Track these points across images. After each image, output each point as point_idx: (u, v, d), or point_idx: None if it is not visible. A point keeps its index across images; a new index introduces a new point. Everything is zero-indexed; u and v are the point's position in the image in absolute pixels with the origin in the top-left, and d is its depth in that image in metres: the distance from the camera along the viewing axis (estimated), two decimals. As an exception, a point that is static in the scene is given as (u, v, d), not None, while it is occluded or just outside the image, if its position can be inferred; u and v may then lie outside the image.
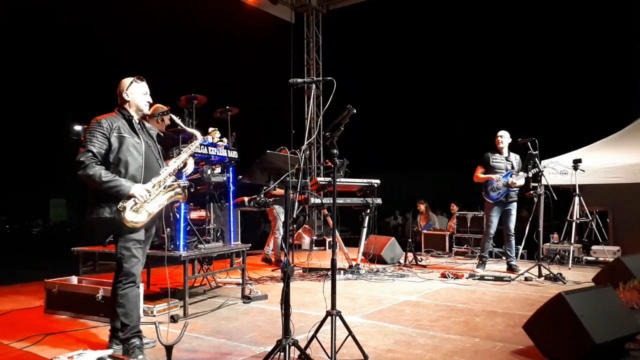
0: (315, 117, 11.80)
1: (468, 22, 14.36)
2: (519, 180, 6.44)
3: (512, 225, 6.62)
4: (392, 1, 13.94)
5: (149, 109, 3.41)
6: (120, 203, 3.03)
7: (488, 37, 14.04)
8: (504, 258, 7.71)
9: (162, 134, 3.79)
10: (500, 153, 6.67)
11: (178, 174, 3.49)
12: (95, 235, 3.28)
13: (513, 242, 6.68)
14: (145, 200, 3.10)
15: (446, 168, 7.37)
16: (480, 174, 6.67)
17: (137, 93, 3.29)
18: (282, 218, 6.89)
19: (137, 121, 3.32)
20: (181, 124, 3.65)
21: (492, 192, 6.55)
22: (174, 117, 3.67)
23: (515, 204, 6.63)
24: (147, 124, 3.47)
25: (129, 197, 3.05)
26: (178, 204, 3.69)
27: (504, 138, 6.63)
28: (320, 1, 12.40)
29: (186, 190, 3.38)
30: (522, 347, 3.29)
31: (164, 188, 3.23)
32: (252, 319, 4.17)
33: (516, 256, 7.92)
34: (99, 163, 3.07)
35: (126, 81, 3.30)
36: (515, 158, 6.68)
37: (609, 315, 3.07)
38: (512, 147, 6.71)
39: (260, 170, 3.45)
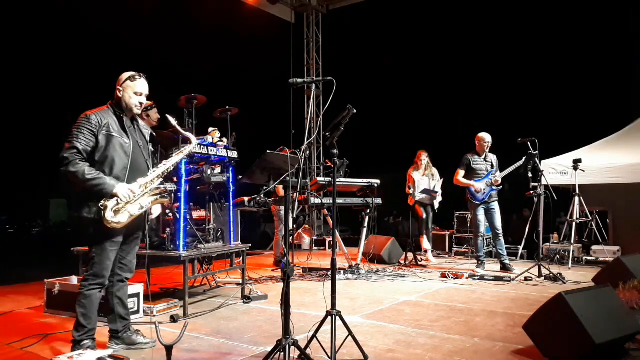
0: (315, 117, 11.80)
1: (468, 22, 14.35)
2: (500, 177, 6.55)
3: (499, 223, 6.68)
4: (392, 1, 13.93)
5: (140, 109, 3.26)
6: (102, 202, 2.94)
7: (488, 37, 14.03)
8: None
9: (154, 134, 3.69)
10: (480, 155, 6.74)
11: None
12: (79, 234, 3.18)
13: (502, 240, 6.70)
14: (129, 201, 3.01)
15: (447, 168, 7.41)
16: (461, 179, 6.74)
17: (129, 92, 3.16)
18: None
19: (129, 119, 3.21)
20: (177, 125, 3.52)
21: (477, 194, 6.66)
22: (169, 118, 3.53)
23: (497, 202, 6.70)
24: (141, 123, 3.39)
25: (112, 196, 2.96)
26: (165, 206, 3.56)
27: (489, 142, 6.71)
28: (320, 1, 12.39)
29: (172, 194, 3.29)
30: (522, 347, 3.29)
31: (150, 190, 3.14)
32: (252, 319, 4.17)
33: (516, 256, 7.95)
34: (83, 160, 2.97)
35: (124, 76, 3.18)
36: (493, 158, 6.77)
37: (609, 315, 3.06)
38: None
39: (260, 170, 3.44)
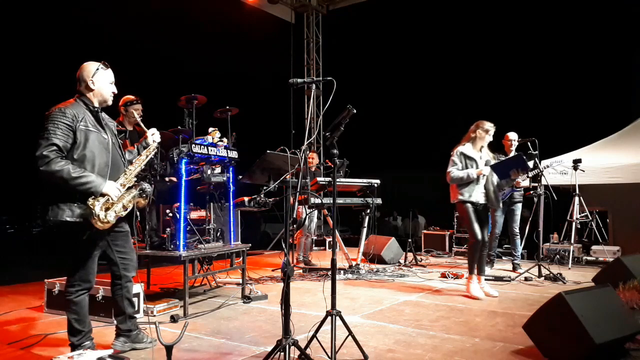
0: (315, 117, 11.80)
1: (468, 22, 14.37)
2: (523, 180, 6.43)
3: (517, 225, 6.68)
4: (392, 1, 13.95)
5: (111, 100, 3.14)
6: (90, 200, 2.80)
7: (488, 37, 14.05)
8: (504, 258, 7.75)
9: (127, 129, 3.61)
10: (508, 155, 6.69)
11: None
12: (59, 240, 2.94)
13: (517, 241, 6.72)
14: (116, 201, 2.91)
15: (446, 168, 7.45)
16: None
17: (103, 82, 3.03)
18: (306, 219, 6.77)
19: (102, 113, 3.06)
20: (137, 118, 3.58)
21: None
22: (134, 112, 3.55)
23: (519, 204, 6.66)
24: (105, 116, 3.17)
25: (102, 195, 2.84)
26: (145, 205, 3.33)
27: (514, 141, 6.64)
28: (320, 1, 12.39)
29: (150, 196, 3.12)
30: (522, 347, 3.29)
31: (127, 189, 3.02)
32: (252, 319, 4.17)
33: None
34: (64, 158, 2.79)
35: (91, 67, 3.01)
36: None
37: (609, 315, 3.06)
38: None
39: (260, 170, 3.45)
